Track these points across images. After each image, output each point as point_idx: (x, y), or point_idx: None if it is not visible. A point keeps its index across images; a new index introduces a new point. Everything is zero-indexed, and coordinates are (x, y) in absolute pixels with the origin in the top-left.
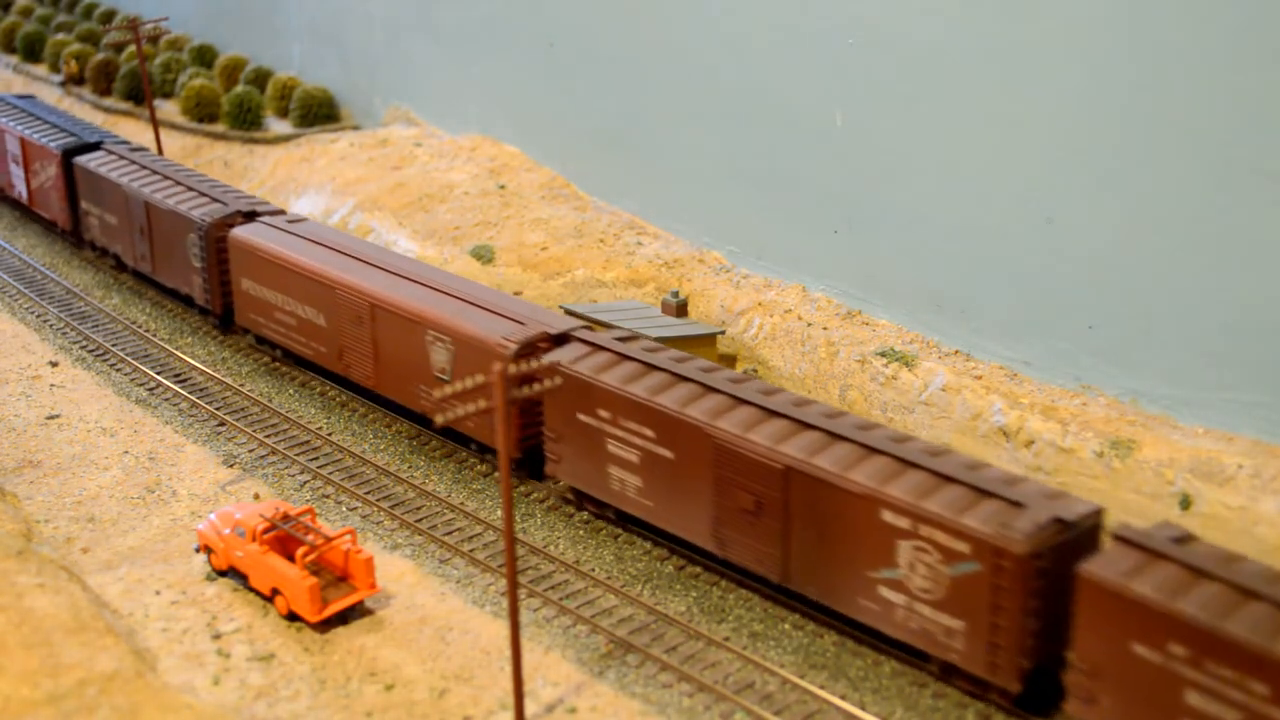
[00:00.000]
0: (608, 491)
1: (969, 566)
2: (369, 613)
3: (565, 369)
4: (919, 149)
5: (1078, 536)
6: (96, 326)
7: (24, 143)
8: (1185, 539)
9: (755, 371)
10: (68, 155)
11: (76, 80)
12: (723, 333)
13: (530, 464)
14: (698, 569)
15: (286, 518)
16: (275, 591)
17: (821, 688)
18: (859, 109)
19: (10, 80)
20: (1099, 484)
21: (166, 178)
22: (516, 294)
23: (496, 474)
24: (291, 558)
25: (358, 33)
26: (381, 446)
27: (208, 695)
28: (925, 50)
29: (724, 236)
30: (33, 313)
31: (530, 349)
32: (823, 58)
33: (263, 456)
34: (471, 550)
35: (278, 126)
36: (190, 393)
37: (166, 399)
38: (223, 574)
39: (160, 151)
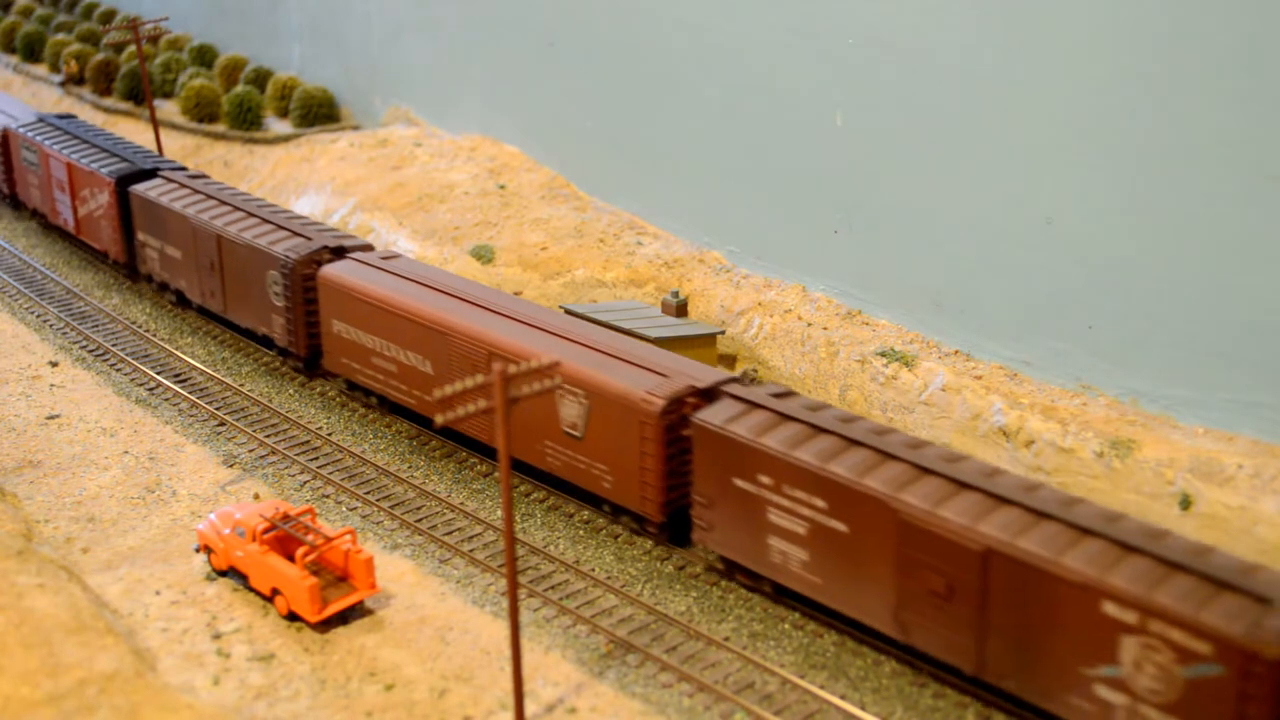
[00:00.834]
0: (766, 564)
1: (1210, 669)
2: (369, 613)
3: (720, 429)
4: (919, 149)
5: None
6: (96, 326)
7: (71, 168)
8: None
9: (755, 371)
10: (122, 183)
11: (76, 80)
12: (723, 333)
13: (674, 528)
14: (698, 569)
15: (286, 518)
16: (275, 591)
17: (821, 688)
18: (859, 109)
19: (10, 80)
20: (1099, 484)
21: (237, 209)
22: (517, 294)
23: (497, 474)
24: (291, 558)
25: (357, 33)
26: (381, 446)
27: (208, 695)
28: (925, 51)
29: (724, 236)
30: (33, 313)
31: (678, 404)
32: (823, 58)
33: (263, 456)
34: (471, 550)
35: (278, 126)
36: (190, 393)
37: (166, 399)
38: (223, 574)
39: (160, 151)
